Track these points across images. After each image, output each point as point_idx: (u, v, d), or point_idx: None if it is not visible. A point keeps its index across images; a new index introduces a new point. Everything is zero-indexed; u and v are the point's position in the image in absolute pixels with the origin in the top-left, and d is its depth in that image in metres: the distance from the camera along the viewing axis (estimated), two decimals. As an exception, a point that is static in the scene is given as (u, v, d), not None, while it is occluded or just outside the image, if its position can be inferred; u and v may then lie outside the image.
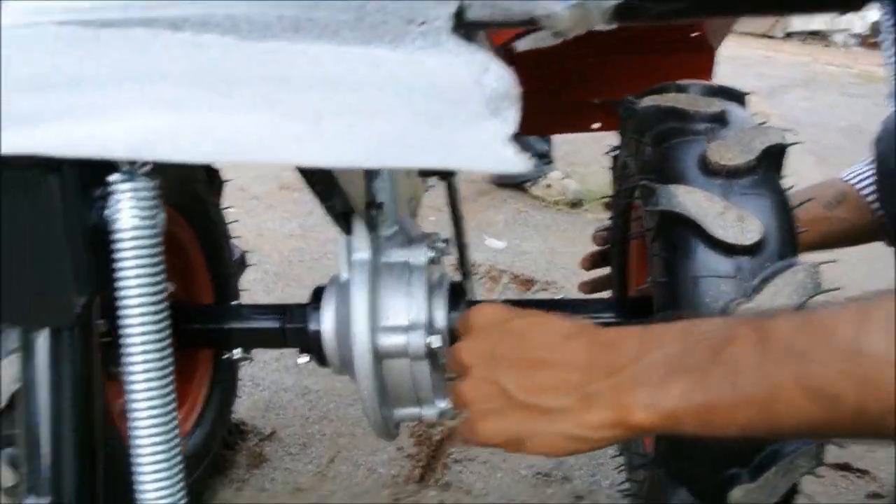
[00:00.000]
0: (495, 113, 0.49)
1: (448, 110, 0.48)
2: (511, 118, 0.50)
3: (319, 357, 1.25)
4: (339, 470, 1.76)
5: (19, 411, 0.69)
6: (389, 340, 1.13)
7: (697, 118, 1.03)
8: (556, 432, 0.68)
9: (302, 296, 1.28)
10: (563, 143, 3.95)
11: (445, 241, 1.26)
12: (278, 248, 2.85)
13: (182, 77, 0.46)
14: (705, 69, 1.49)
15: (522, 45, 1.06)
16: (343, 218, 1.15)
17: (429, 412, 1.21)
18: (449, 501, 1.66)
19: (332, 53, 0.47)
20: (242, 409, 1.93)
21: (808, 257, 0.97)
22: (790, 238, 0.95)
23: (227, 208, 1.68)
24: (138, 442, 0.66)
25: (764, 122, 1.05)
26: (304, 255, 2.81)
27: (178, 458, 0.68)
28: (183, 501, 0.68)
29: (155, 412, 0.66)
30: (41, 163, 0.58)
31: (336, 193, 1.05)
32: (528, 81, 1.60)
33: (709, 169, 0.97)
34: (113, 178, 0.60)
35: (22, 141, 0.47)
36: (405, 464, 1.77)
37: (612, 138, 1.46)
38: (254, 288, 2.52)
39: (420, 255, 1.18)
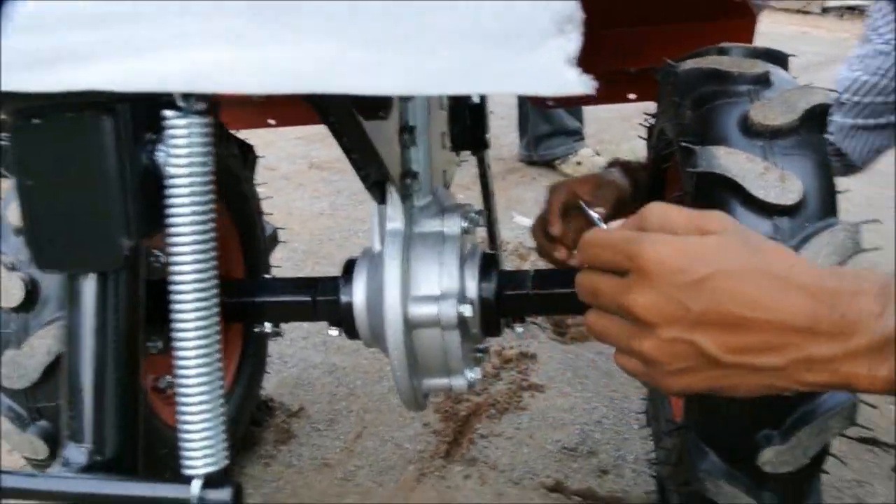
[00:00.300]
0: (561, 34, 0.47)
1: (515, 31, 0.46)
2: (575, 39, 0.48)
3: (350, 329, 1.24)
4: (366, 445, 1.76)
5: (61, 362, 0.69)
6: (421, 310, 1.12)
7: (740, 80, 1.01)
8: (763, 385, 0.63)
9: (332, 273, 1.28)
10: (594, 121, 3.92)
11: (478, 212, 1.25)
12: (308, 226, 2.85)
13: (243, 9, 0.45)
14: (746, 35, 1.46)
15: None
16: (377, 187, 1.14)
17: (458, 382, 1.20)
18: (474, 476, 1.66)
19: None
20: (271, 385, 1.94)
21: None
22: (831, 198, 0.93)
23: (257, 185, 1.68)
24: (185, 391, 0.66)
25: (808, 83, 1.03)
26: (333, 234, 2.81)
27: (223, 414, 0.67)
28: (226, 460, 0.68)
29: (203, 362, 0.65)
30: (95, 103, 0.58)
31: (371, 162, 1.04)
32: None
33: (750, 130, 0.95)
34: (168, 113, 0.59)
35: (80, 77, 0.46)
36: (431, 439, 1.76)
37: (642, 116, 1.44)
38: (283, 266, 2.53)
39: (453, 225, 1.17)
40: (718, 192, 0.92)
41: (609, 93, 1.74)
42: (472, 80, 0.46)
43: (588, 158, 3.37)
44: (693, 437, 0.99)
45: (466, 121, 1.61)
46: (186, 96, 0.57)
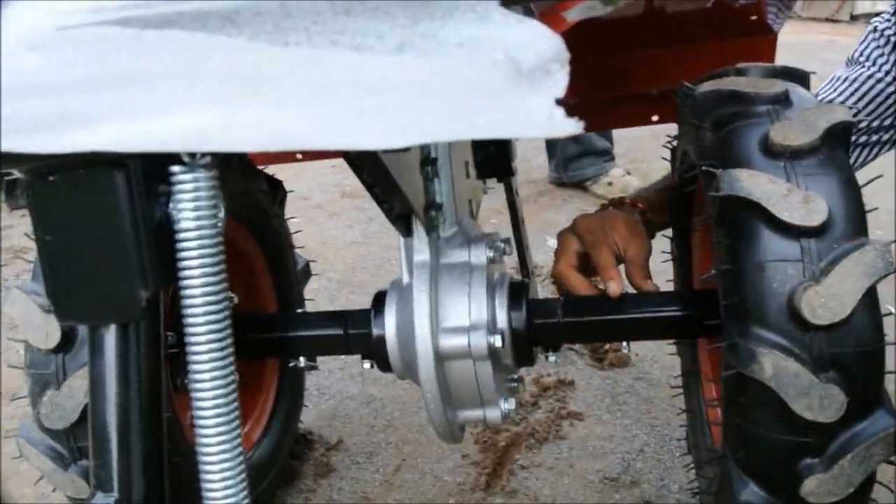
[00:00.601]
0: (546, 77, 0.47)
1: (500, 78, 0.46)
2: (562, 79, 0.48)
3: (382, 362, 1.25)
4: (405, 478, 1.74)
5: (89, 409, 0.69)
6: (451, 342, 1.12)
7: (758, 100, 1.00)
8: None
9: (366, 302, 1.28)
10: (624, 140, 3.89)
11: (505, 240, 1.25)
12: (341, 255, 2.86)
13: (229, 74, 0.46)
14: (767, 53, 1.45)
15: (573, 15, 1.04)
16: (402, 220, 1.14)
17: (492, 414, 1.19)
18: (516, 508, 1.64)
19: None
20: (309, 418, 1.94)
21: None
22: (859, 217, 0.92)
23: (289, 218, 1.69)
24: (203, 436, 0.66)
25: (829, 101, 1.01)
26: (367, 262, 2.82)
27: (242, 460, 0.68)
28: (246, 500, 0.68)
29: (221, 409, 0.65)
30: (106, 160, 0.59)
31: (394, 195, 1.04)
32: (585, 75, 1.57)
33: (771, 151, 0.94)
34: (174, 168, 0.60)
35: (84, 139, 0.47)
36: (471, 471, 1.75)
37: (672, 132, 1.43)
38: (318, 296, 2.53)
39: (480, 255, 1.17)
40: (742, 216, 0.91)
41: (632, 115, 1.73)
42: (455, 127, 0.46)
43: (619, 178, 3.35)
44: (732, 466, 0.97)
45: (490, 149, 1.61)
46: (191, 153, 0.58)
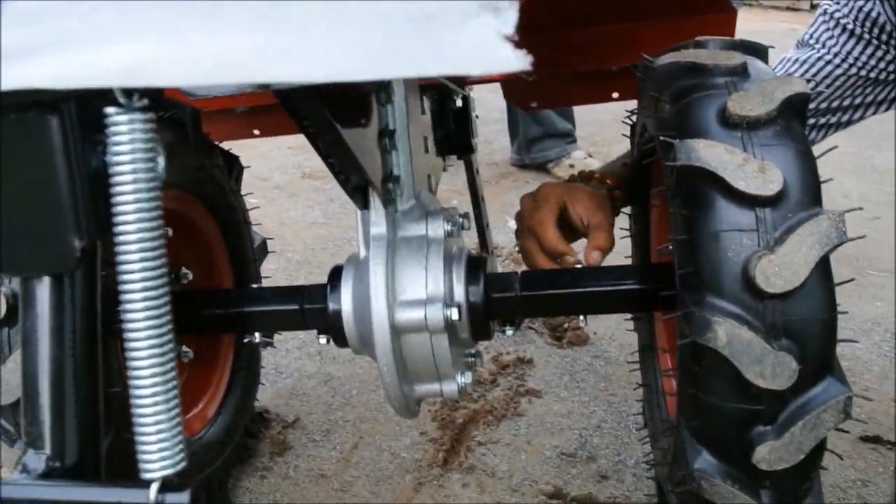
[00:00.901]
0: (491, 10, 0.46)
1: (441, 9, 0.45)
2: (510, 18, 0.47)
3: (338, 337, 1.23)
4: (363, 455, 1.74)
5: (21, 364, 0.67)
6: (407, 314, 1.11)
7: (717, 72, 1.00)
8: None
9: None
10: (587, 124, 3.90)
11: (464, 215, 1.24)
12: (300, 236, 2.83)
13: (167, 1, 0.44)
14: (728, 30, 1.45)
15: None
16: (359, 192, 1.13)
17: (449, 388, 1.19)
18: (472, 484, 1.64)
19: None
20: (266, 397, 1.92)
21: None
22: (814, 188, 0.92)
23: (247, 194, 1.66)
24: (139, 394, 0.64)
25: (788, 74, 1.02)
26: (326, 243, 2.80)
27: (178, 416, 0.66)
28: (183, 462, 0.66)
29: (156, 362, 0.64)
30: (41, 103, 0.57)
31: (350, 166, 1.03)
32: (544, 50, 1.56)
33: (729, 121, 0.94)
34: (109, 110, 0.58)
35: (19, 76, 0.45)
36: (428, 448, 1.74)
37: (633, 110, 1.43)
38: (277, 276, 2.51)
39: (437, 229, 1.16)
40: (699, 185, 0.91)
41: (593, 92, 1.73)
42: (401, 62, 0.45)
43: (580, 161, 3.36)
44: (686, 435, 0.97)
45: (451, 125, 1.60)
46: (127, 93, 0.56)
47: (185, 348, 1.46)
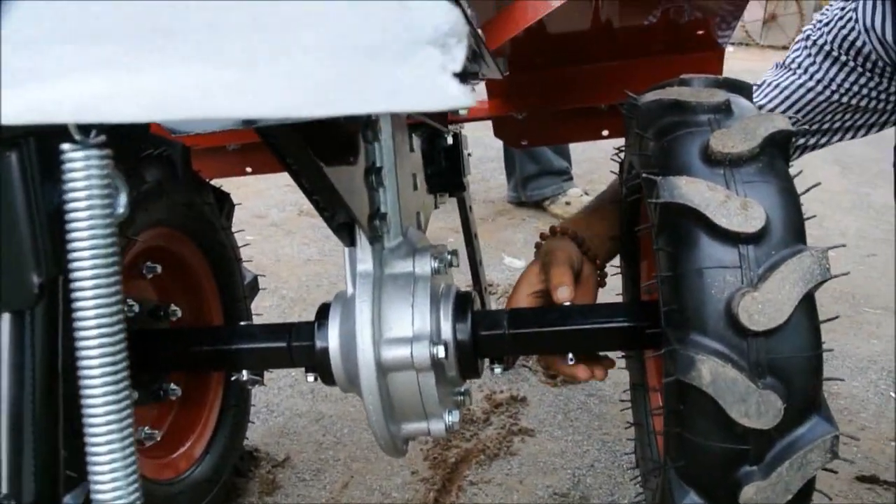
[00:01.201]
0: (439, 46, 0.46)
1: (387, 43, 0.45)
2: (458, 54, 0.47)
3: (326, 375, 1.22)
4: (353, 495, 1.72)
5: None
6: (394, 352, 1.10)
7: (700, 109, 1.00)
8: None
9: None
10: (583, 162, 3.93)
11: (452, 252, 1.23)
12: (296, 273, 2.83)
13: (117, 34, 0.44)
14: (716, 67, 1.47)
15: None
16: (345, 229, 1.13)
17: (436, 426, 1.17)
18: (465, 525, 1.62)
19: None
20: (256, 435, 1.91)
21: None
22: (797, 224, 0.92)
23: (237, 231, 1.66)
24: (93, 431, 0.63)
25: (760, 107, 1.02)
26: (321, 280, 2.79)
27: (133, 457, 0.65)
28: (139, 501, 0.65)
29: (111, 400, 0.63)
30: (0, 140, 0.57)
31: (335, 203, 1.03)
32: (534, 88, 1.57)
33: (711, 158, 0.94)
34: (64, 146, 0.57)
35: None
36: (419, 487, 1.72)
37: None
38: (270, 314, 2.50)
39: (425, 266, 1.15)
40: (682, 222, 0.91)
41: (582, 130, 1.74)
42: (347, 97, 0.45)
43: (577, 198, 3.37)
44: (673, 475, 0.96)
45: (442, 163, 1.61)
46: (84, 129, 0.56)
47: (172, 386, 1.44)
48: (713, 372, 0.86)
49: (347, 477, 1.78)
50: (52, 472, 0.67)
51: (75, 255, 0.58)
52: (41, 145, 0.57)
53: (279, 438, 1.92)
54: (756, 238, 0.88)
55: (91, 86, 0.43)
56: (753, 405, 0.86)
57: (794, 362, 0.88)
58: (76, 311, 0.59)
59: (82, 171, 0.56)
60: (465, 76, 0.45)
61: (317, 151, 0.92)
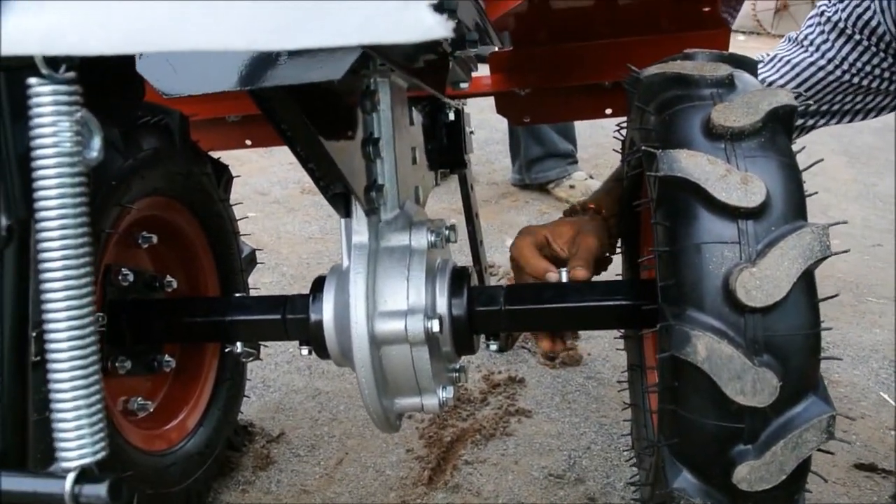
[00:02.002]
0: None
1: None
2: None
3: (319, 348, 1.21)
4: (347, 472, 1.71)
5: None
6: (388, 325, 1.09)
7: (703, 83, 0.98)
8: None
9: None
10: (590, 146, 3.90)
11: (450, 227, 1.22)
12: (296, 250, 2.82)
13: None
14: (720, 46, 1.44)
15: None
16: (341, 200, 1.11)
17: (430, 401, 1.16)
18: (457, 503, 1.61)
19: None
20: (252, 410, 1.90)
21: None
22: (798, 200, 0.90)
23: (235, 205, 1.65)
24: (58, 384, 0.62)
25: (770, 83, 1.00)
26: (322, 258, 2.78)
27: (99, 402, 0.64)
28: (103, 451, 0.64)
29: (76, 345, 0.61)
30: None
31: (330, 172, 1.01)
32: (537, 64, 1.55)
33: (712, 132, 0.93)
34: (31, 81, 0.55)
35: None
36: (414, 465, 1.72)
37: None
38: (270, 290, 2.49)
39: (421, 239, 1.14)
40: (681, 196, 0.90)
41: (586, 107, 1.72)
42: (318, 29, 0.43)
43: (581, 182, 3.34)
44: (666, 453, 0.95)
45: (443, 139, 1.59)
46: (51, 62, 0.54)
47: (167, 357, 1.44)
48: (709, 348, 0.85)
49: (342, 453, 1.77)
50: (21, 416, 0.66)
51: (41, 194, 0.56)
52: (11, 80, 0.56)
53: (275, 414, 1.91)
54: (756, 213, 0.87)
55: (59, 17, 0.42)
56: (749, 382, 0.85)
57: (791, 340, 0.86)
58: (42, 252, 0.58)
59: (50, 106, 0.55)
60: (441, 7, 0.44)
61: (313, 119, 0.90)
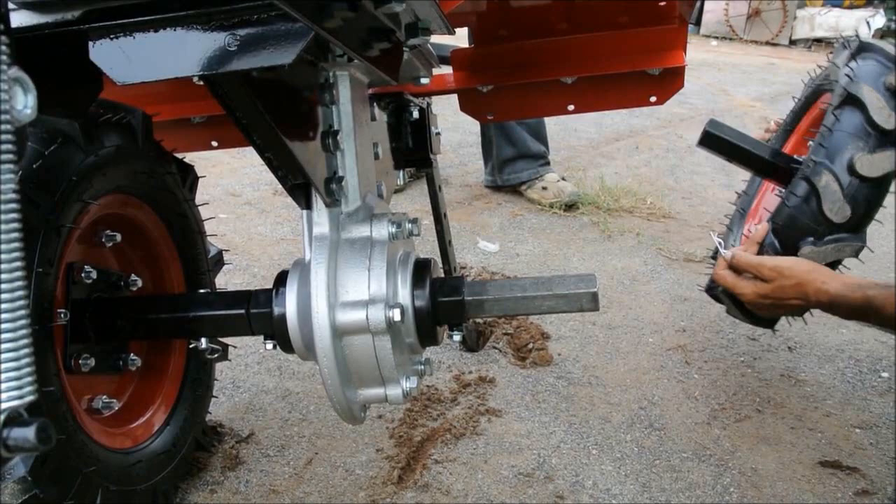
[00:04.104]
0: None
1: None
2: None
3: (284, 341, 1.21)
4: (316, 472, 1.70)
5: None
6: (349, 315, 1.09)
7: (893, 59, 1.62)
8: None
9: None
10: (562, 149, 3.92)
11: (413, 220, 1.22)
12: (268, 251, 2.81)
13: None
14: (678, 40, 1.46)
15: None
16: (300, 191, 1.12)
17: (393, 392, 1.17)
18: (426, 502, 1.61)
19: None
20: (221, 411, 1.89)
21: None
22: None
23: (201, 205, 1.64)
24: None
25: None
26: (293, 259, 2.76)
27: (27, 346, 0.63)
28: (31, 395, 0.63)
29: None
30: None
31: (287, 163, 1.02)
32: (498, 62, 1.56)
33: (889, 89, 1.57)
34: None
35: None
36: (384, 465, 1.71)
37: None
38: (241, 292, 2.48)
39: (382, 230, 1.14)
40: (852, 107, 1.59)
41: (548, 104, 1.73)
42: None
43: (553, 183, 3.36)
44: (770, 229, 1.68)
45: (407, 137, 1.60)
46: None
47: (132, 356, 1.43)
48: (827, 181, 1.55)
49: (312, 453, 1.76)
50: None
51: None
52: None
53: (244, 414, 1.90)
54: (886, 133, 1.55)
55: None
56: (837, 208, 1.56)
57: (869, 195, 1.58)
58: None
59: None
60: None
61: (269, 109, 0.90)
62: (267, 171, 3.41)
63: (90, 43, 0.82)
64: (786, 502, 1.65)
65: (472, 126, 3.50)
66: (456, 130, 4.28)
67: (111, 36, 0.81)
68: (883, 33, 9.86)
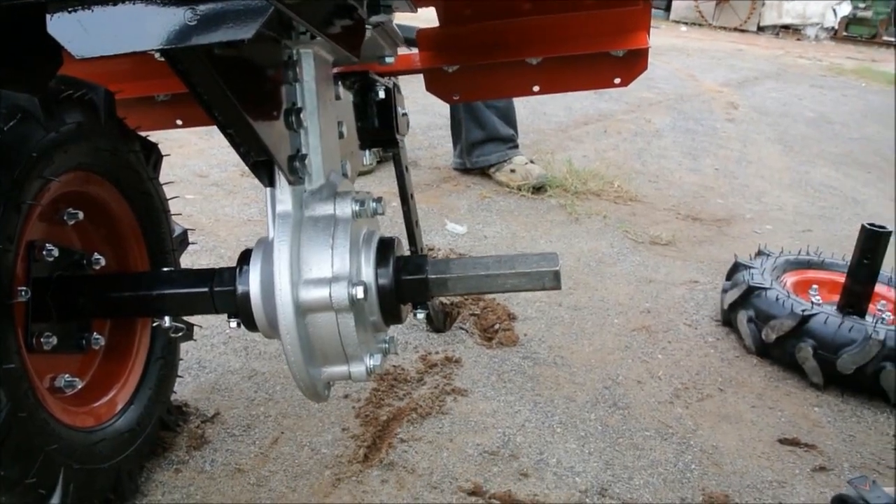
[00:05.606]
0: None
1: None
2: None
3: (247, 320, 1.21)
4: (282, 451, 1.71)
5: None
6: (312, 293, 1.09)
7: None
8: None
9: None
10: (531, 132, 3.93)
11: (377, 199, 1.23)
12: (234, 232, 2.80)
13: None
14: (642, 21, 1.47)
15: None
16: (263, 168, 1.11)
17: (357, 369, 1.17)
18: (392, 480, 1.62)
19: None
20: (187, 391, 1.88)
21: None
22: None
23: (166, 184, 1.63)
24: None
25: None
26: (261, 242, 2.76)
27: None
28: None
29: None
30: None
31: (250, 139, 1.01)
32: (463, 41, 1.57)
33: None
34: None
35: None
36: (350, 444, 1.72)
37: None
38: (207, 273, 2.47)
39: (345, 208, 1.15)
40: None
41: (513, 85, 1.73)
42: None
43: (521, 166, 3.37)
44: None
45: (373, 117, 1.60)
46: None
47: (96, 335, 1.42)
48: None
49: (277, 433, 1.77)
50: None
51: None
52: None
53: (210, 394, 1.90)
54: None
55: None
56: None
57: None
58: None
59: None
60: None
61: (230, 84, 0.90)
62: (234, 152, 3.41)
63: (48, 16, 0.82)
64: (745, 479, 1.69)
65: (442, 109, 3.50)
66: (425, 113, 4.28)
67: (69, 9, 0.81)
68: (848, 21, 9.99)
